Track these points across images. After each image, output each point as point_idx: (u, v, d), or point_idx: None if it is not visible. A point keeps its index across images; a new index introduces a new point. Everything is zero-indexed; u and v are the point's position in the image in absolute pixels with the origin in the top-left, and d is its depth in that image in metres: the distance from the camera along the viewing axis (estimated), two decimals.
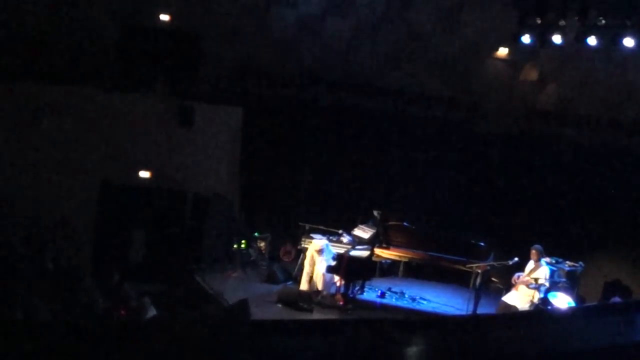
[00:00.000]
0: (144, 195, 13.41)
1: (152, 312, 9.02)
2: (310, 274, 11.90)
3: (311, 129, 14.96)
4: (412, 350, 4.20)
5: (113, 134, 13.46)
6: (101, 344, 3.77)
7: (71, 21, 13.72)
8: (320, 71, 15.04)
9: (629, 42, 11.99)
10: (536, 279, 10.64)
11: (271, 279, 12.71)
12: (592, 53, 13.09)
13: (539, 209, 14.17)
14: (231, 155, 14.58)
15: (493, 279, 12.85)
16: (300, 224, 13.11)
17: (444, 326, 4.66)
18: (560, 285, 11.37)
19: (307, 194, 14.94)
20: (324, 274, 11.81)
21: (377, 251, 11.92)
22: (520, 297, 10.74)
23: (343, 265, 11.55)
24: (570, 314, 6.34)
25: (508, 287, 11.42)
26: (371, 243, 12.05)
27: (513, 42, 13.85)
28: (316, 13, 14.71)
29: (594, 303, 11.50)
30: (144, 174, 13.58)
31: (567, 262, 11.89)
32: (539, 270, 10.82)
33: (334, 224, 12.89)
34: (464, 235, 12.34)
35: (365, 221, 12.84)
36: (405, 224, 12.18)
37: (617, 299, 10.85)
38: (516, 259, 10.98)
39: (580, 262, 11.98)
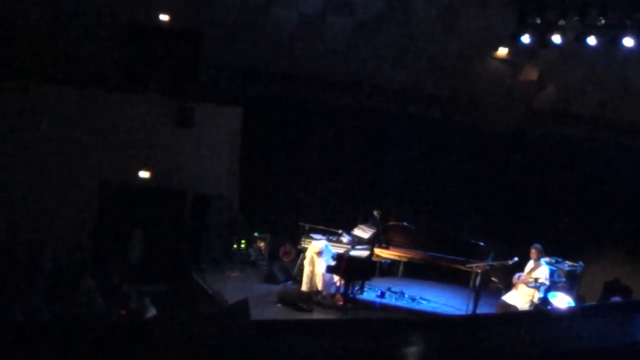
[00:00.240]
0: (143, 195, 13.41)
1: (152, 312, 9.03)
2: (310, 274, 11.90)
3: (311, 129, 14.96)
4: (412, 350, 4.21)
5: (113, 134, 13.46)
6: (101, 344, 3.77)
7: (71, 21, 13.71)
8: (320, 71, 15.03)
9: (628, 42, 11.99)
10: (536, 279, 10.64)
11: (271, 279, 12.72)
12: (592, 53, 13.08)
13: (539, 208, 14.17)
14: (231, 155, 14.58)
15: (493, 278, 12.86)
16: (300, 224, 13.11)
17: (444, 326, 4.66)
18: (560, 285, 11.37)
19: (307, 194, 14.93)
20: (323, 274, 11.81)
21: (377, 251, 11.92)
22: (520, 297, 10.74)
23: (343, 265, 11.55)
24: (570, 314, 6.34)
25: (508, 287, 11.42)
26: (371, 243, 12.06)
27: (513, 42, 13.84)
28: (316, 13, 14.69)
29: (594, 303, 11.50)
30: (144, 174, 13.59)
31: (567, 262, 11.90)
32: (539, 269, 10.83)
33: (334, 224, 12.89)
34: (463, 235, 12.35)
35: (365, 221, 12.84)
36: (405, 224, 12.18)
37: (617, 299, 10.84)
38: (516, 258, 10.98)
39: (580, 262, 11.99)
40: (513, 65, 14.88)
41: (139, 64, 13.92)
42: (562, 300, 10.89)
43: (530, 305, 10.59)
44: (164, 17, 14.04)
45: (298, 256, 12.96)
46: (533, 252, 10.95)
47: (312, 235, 12.57)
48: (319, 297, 11.70)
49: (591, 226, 13.56)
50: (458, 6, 14.36)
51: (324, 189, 14.89)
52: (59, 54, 13.60)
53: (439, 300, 12.26)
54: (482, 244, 11.68)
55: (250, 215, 14.58)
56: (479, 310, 10.94)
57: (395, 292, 12.33)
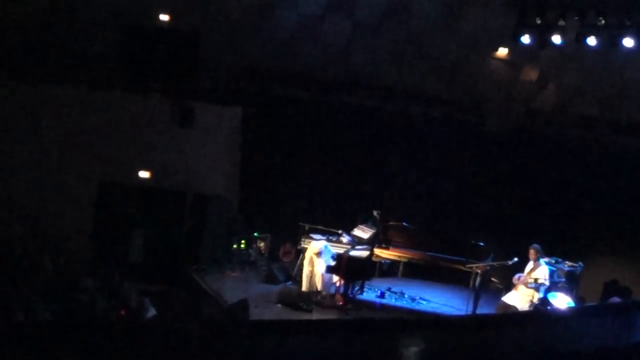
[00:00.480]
0: (143, 196, 13.41)
1: (152, 312, 9.02)
2: (310, 275, 11.90)
3: (311, 129, 14.95)
4: (412, 350, 4.21)
5: (113, 134, 13.46)
6: (101, 344, 3.77)
7: (71, 21, 13.72)
8: (320, 71, 15.03)
9: (628, 42, 12.01)
10: (536, 279, 10.64)
11: (271, 279, 12.71)
12: (592, 53, 13.09)
13: (539, 208, 14.17)
14: (231, 155, 14.58)
15: (493, 279, 12.85)
16: (300, 224, 13.10)
17: (444, 326, 4.67)
18: (559, 285, 11.36)
19: (307, 194, 14.93)
20: (323, 274, 11.81)
21: (377, 251, 11.92)
22: (519, 297, 10.74)
23: (342, 265, 11.55)
24: (570, 314, 6.35)
25: (508, 287, 11.41)
26: (371, 243, 12.06)
27: (513, 42, 13.85)
28: (316, 13, 14.69)
29: (594, 303, 11.50)
30: (144, 174, 13.58)
31: (567, 262, 11.90)
32: (539, 269, 10.83)
33: (333, 224, 12.89)
34: (463, 235, 12.34)
35: (365, 221, 12.84)
36: (404, 224, 12.18)
37: (616, 299, 10.84)
38: (515, 259, 10.98)
39: (580, 262, 11.98)
40: (513, 65, 14.87)
41: (139, 64, 13.92)
42: (561, 301, 10.88)
43: (530, 306, 10.59)
44: (164, 17, 14.04)
45: (298, 256, 12.95)
46: (531, 253, 10.95)
47: (311, 235, 12.56)
48: (319, 297, 11.70)
49: (591, 226, 13.55)
50: (458, 6, 14.35)
51: (324, 189, 14.88)
52: (59, 54, 13.61)
53: (439, 301, 12.25)
54: (482, 244, 11.69)
55: (250, 215, 14.57)
56: (479, 311, 10.94)
57: (395, 292, 12.33)
